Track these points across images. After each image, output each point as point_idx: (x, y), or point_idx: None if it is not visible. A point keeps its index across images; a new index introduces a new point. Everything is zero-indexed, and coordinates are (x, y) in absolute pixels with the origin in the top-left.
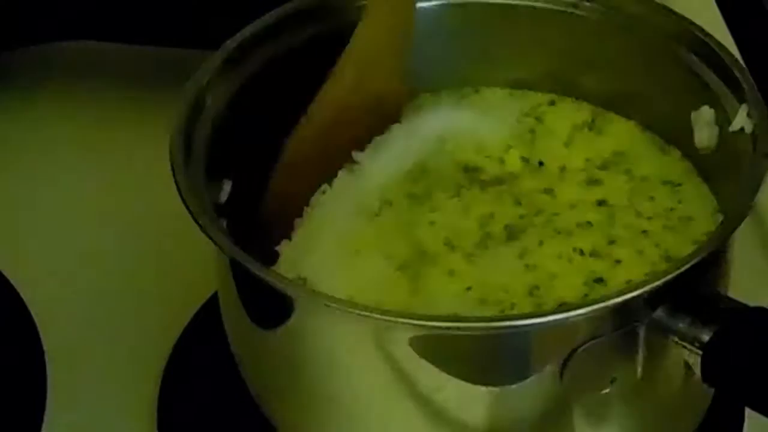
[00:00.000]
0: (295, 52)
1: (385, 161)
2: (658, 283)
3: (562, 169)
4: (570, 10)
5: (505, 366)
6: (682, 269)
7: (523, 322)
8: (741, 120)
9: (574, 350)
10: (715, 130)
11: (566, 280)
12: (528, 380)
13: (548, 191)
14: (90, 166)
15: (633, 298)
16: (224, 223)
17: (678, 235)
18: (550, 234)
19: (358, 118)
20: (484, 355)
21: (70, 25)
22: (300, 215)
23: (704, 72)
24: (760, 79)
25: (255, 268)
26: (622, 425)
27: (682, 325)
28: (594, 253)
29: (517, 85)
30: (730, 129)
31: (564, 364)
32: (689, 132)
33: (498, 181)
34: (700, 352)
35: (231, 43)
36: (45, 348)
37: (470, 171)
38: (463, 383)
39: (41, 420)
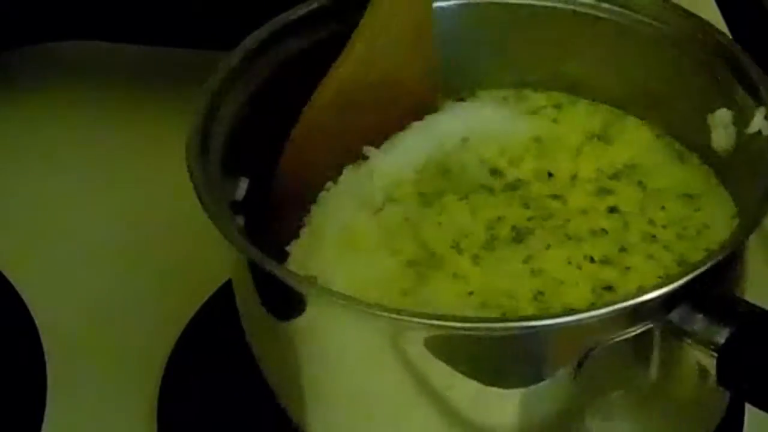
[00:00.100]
0: (313, 50)
1: (395, 158)
2: (674, 285)
3: (573, 177)
4: (587, 11)
5: (520, 367)
6: (699, 271)
7: (541, 323)
8: (758, 122)
9: (590, 351)
10: (733, 131)
11: (573, 287)
12: (543, 381)
13: (558, 197)
14: (90, 165)
15: (649, 300)
16: (241, 221)
17: (692, 242)
18: (560, 239)
19: (374, 105)
20: (500, 356)
21: (70, 25)
22: (312, 200)
23: (721, 74)
24: None
25: (272, 267)
26: (635, 427)
27: (697, 328)
28: (605, 260)
29: (531, 86)
30: (748, 131)
31: (579, 366)
32: (707, 135)
33: (510, 185)
34: (716, 355)
35: (248, 42)
36: (45, 348)
37: (484, 173)
38: (478, 384)
39: (41, 420)
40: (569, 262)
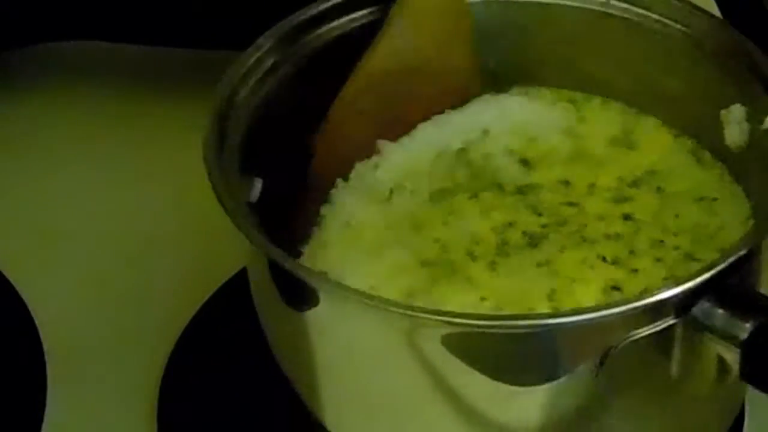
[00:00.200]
0: (326, 49)
1: (407, 152)
2: (696, 281)
3: (592, 185)
4: (598, 8)
5: (542, 365)
6: (720, 267)
7: (564, 320)
8: None
9: (611, 349)
10: (746, 127)
11: (585, 286)
12: (566, 379)
13: (574, 204)
14: (90, 165)
15: (671, 296)
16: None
17: (704, 244)
18: (576, 242)
19: (407, 97)
20: (521, 353)
21: (70, 25)
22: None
23: (735, 70)
24: None
25: (292, 266)
26: (657, 423)
27: (719, 323)
28: (615, 261)
29: (545, 83)
30: (762, 127)
31: (601, 363)
32: (720, 131)
33: (520, 189)
34: (739, 349)
35: (263, 41)
36: (45, 348)
37: (510, 163)
38: (497, 382)
39: (41, 420)
40: (583, 262)
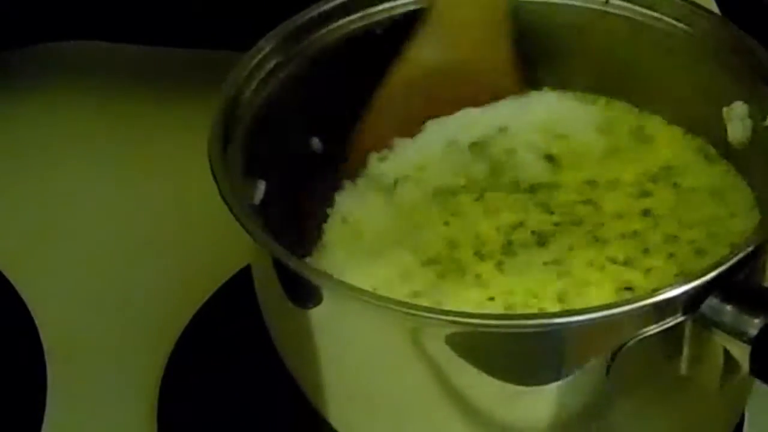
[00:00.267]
0: (330, 50)
1: (418, 148)
2: (705, 277)
3: (614, 182)
4: (600, 7)
5: (552, 364)
6: (728, 264)
7: (574, 318)
8: None
9: (622, 346)
10: (749, 124)
11: (597, 288)
12: (576, 377)
13: (590, 203)
14: (90, 165)
15: (679, 294)
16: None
17: (717, 239)
18: (586, 242)
19: (452, 85)
20: (531, 353)
21: (70, 25)
22: None
23: (737, 68)
24: None
25: (297, 265)
26: (665, 421)
27: (728, 319)
28: (627, 262)
29: (556, 85)
30: (765, 124)
31: (611, 360)
32: (722, 128)
33: (536, 187)
34: (749, 345)
35: (266, 41)
36: (45, 348)
37: (520, 172)
38: (505, 383)
39: (41, 420)
40: (591, 264)
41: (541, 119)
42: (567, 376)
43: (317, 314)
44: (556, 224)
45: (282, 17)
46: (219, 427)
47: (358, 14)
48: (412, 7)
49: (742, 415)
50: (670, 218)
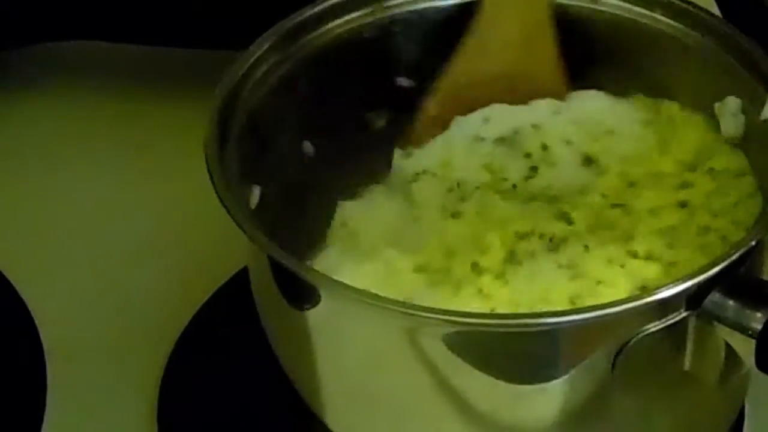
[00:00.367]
0: (327, 49)
1: (433, 150)
2: (707, 273)
3: (656, 174)
4: (592, 6)
5: (557, 363)
6: (730, 258)
7: (576, 317)
8: None
9: (626, 343)
10: (742, 119)
11: (612, 288)
12: (579, 376)
13: (619, 206)
14: (90, 165)
15: (682, 290)
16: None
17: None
18: (601, 241)
19: (500, 87)
20: (534, 352)
21: (70, 25)
22: None
23: (730, 63)
24: None
25: (294, 265)
26: (669, 416)
27: (731, 314)
28: (649, 257)
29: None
30: (761, 118)
31: (616, 357)
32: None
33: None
34: (753, 339)
35: (263, 41)
36: (45, 348)
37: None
38: (506, 382)
39: (41, 420)
40: (611, 261)
41: (577, 117)
42: (570, 374)
43: (314, 315)
44: (573, 231)
45: (282, 17)
46: (218, 427)
47: (354, 14)
48: (407, 8)
49: (742, 416)
50: (704, 209)
